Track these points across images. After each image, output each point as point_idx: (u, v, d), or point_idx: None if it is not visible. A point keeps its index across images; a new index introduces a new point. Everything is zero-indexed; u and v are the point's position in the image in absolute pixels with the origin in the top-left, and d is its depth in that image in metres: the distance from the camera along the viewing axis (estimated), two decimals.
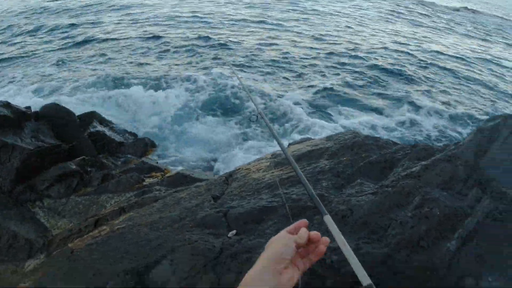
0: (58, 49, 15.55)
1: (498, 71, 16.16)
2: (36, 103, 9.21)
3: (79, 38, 16.83)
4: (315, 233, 1.42)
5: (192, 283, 2.26)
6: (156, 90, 10.96)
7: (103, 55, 14.81)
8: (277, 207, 2.77)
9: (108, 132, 7.99)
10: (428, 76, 14.27)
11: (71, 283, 2.81)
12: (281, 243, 1.29)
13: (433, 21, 27.56)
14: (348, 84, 12.63)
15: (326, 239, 1.35)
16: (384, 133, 9.28)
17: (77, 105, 10.04)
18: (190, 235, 2.72)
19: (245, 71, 13.10)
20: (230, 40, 16.60)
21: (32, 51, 15.38)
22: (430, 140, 9.29)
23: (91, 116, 8.28)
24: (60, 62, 13.89)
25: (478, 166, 2.77)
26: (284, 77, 12.95)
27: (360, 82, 12.92)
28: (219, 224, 2.82)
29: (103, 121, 8.47)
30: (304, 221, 1.54)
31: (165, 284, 2.37)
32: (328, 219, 0.96)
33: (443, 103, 11.85)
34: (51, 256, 4.20)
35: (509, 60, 18.07)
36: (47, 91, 11.33)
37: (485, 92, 13.38)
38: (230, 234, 2.66)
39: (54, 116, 7.44)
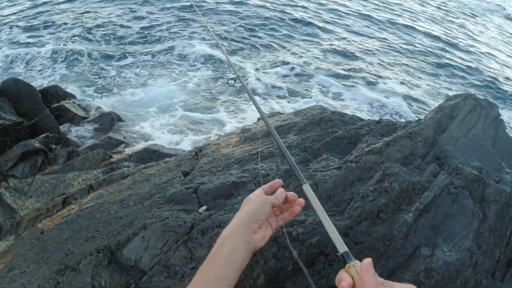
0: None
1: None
2: None
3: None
4: (292, 194, 1.50)
5: (165, 259, 2.32)
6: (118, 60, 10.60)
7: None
8: (247, 182, 2.85)
9: (71, 107, 7.73)
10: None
11: (44, 264, 2.81)
12: (258, 202, 1.35)
13: None
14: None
15: (301, 200, 1.43)
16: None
17: (38, 79, 9.63)
18: (161, 212, 2.76)
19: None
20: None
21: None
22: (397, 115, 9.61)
23: (54, 91, 7.97)
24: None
25: (437, 142, 2.93)
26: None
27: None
28: (190, 200, 2.87)
29: (66, 96, 8.17)
30: (279, 181, 1.61)
31: (138, 261, 2.42)
32: (307, 187, 1.00)
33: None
34: (21, 238, 4.13)
35: None
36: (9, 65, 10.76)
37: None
38: (200, 210, 2.71)
39: (15, 92, 7.11)
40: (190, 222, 2.52)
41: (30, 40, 12.25)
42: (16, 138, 6.37)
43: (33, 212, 4.91)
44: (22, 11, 15.12)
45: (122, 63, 10.79)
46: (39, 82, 9.37)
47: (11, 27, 13.17)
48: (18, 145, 5.98)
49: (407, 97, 10.79)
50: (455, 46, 16.77)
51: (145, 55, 11.53)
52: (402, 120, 8.78)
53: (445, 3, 27.05)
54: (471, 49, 16.98)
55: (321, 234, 1.99)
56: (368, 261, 0.84)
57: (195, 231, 2.43)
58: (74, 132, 7.08)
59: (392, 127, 3.14)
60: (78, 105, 8.02)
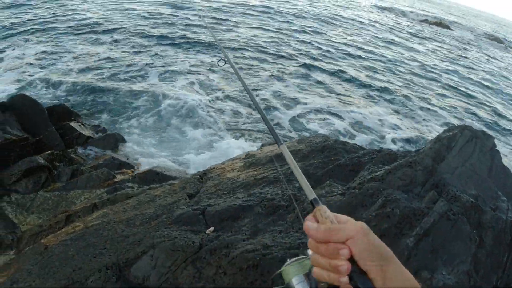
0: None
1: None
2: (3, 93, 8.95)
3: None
4: None
5: (173, 277, 2.39)
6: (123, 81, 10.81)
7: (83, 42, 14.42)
8: (253, 206, 2.94)
9: (77, 126, 7.85)
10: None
11: (50, 279, 2.86)
12: None
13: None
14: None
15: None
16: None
17: (45, 97, 9.80)
18: (169, 231, 2.84)
19: None
20: None
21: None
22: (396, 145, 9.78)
23: (60, 109, 8.11)
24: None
25: (435, 171, 3.06)
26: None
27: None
28: (197, 221, 2.96)
29: (72, 114, 8.31)
30: None
31: (146, 279, 2.49)
32: (284, 147, 1.12)
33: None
34: (23, 252, 4.17)
35: None
36: (18, 82, 10.97)
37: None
38: (208, 231, 2.80)
39: (22, 108, 7.25)
40: (199, 242, 2.61)
41: (40, 61, 12.52)
42: (21, 154, 6.43)
43: (36, 227, 4.96)
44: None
45: (129, 87, 11.00)
46: (46, 99, 9.51)
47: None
48: (23, 161, 6.04)
49: None
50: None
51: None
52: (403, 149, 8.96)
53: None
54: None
55: None
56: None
57: (203, 251, 2.52)
58: (79, 151, 7.16)
59: (393, 156, 3.28)
60: (84, 124, 8.14)
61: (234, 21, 20.38)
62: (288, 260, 0.91)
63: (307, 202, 1.03)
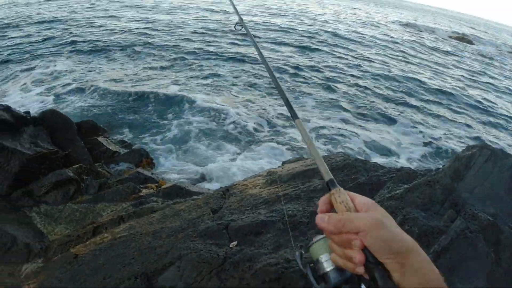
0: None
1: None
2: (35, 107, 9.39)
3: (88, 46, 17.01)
4: None
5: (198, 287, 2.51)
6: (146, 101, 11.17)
7: (113, 60, 15.00)
8: (275, 221, 3.06)
9: (104, 141, 8.17)
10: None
11: (81, 286, 3.02)
12: None
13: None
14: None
15: None
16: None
17: (75, 112, 10.23)
18: (195, 244, 2.98)
19: None
20: None
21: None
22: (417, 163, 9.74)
23: (88, 125, 8.46)
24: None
25: (454, 190, 3.11)
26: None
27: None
28: (221, 236, 3.09)
29: (99, 130, 8.65)
30: None
31: None
32: (299, 122, 1.02)
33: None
34: (52, 261, 4.38)
35: None
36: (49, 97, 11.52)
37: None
38: (231, 245, 2.92)
39: (52, 123, 7.61)
40: (223, 255, 2.74)
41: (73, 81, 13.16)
42: (51, 167, 6.75)
43: (64, 237, 5.17)
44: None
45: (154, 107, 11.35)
46: (75, 113, 9.94)
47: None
48: (53, 173, 6.33)
49: None
50: None
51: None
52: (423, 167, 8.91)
53: None
54: None
55: None
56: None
57: (227, 264, 2.64)
58: (105, 165, 7.44)
59: (412, 175, 3.35)
60: (110, 139, 8.47)
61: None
62: (316, 236, 0.88)
63: (323, 183, 0.91)
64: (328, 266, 0.84)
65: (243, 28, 2.02)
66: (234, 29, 2.16)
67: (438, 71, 21.07)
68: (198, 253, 2.77)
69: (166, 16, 25.43)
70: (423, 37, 33.77)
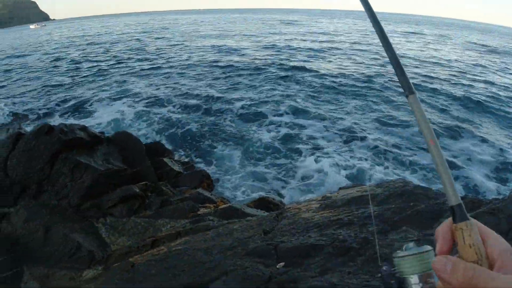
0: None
1: None
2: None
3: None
4: None
5: None
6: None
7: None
8: (324, 246, 2.98)
9: (169, 162, 8.61)
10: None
11: None
12: None
13: None
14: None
15: None
16: None
17: (146, 134, 10.95)
18: (242, 261, 2.99)
19: None
20: None
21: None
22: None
23: (156, 146, 8.99)
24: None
25: None
26: None
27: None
28: (269, 255, 3.07)
29: (165, 151, 9.14)
30: None
31: None
32: (414, 98, 0.65)
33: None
34: (112, 268, 4.63)
35: None
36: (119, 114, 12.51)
37: None
38: (278, 265, 2.89)
39: (124, 143, 8.20)
40: (268, 275, 2.71)
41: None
42: (119, 182, 7.23)
43: (125, 248, 5.45)
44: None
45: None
46: (146, 137, 10.68)
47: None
48: (122, 189, 6.77)
49: None
50: None
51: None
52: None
53: None
54: None
55: None
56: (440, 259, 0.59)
57: (272, 283, 2.61)
58: (169, 184, 7.81)
59: (477, 203, 3.10)
60: (175, 160, 8.92)
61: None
62: (406, 245, 0.66)
63: (447, 206, 0.63)
64: None
65: None
66: None
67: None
68: (244, 270, 2.77)
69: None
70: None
